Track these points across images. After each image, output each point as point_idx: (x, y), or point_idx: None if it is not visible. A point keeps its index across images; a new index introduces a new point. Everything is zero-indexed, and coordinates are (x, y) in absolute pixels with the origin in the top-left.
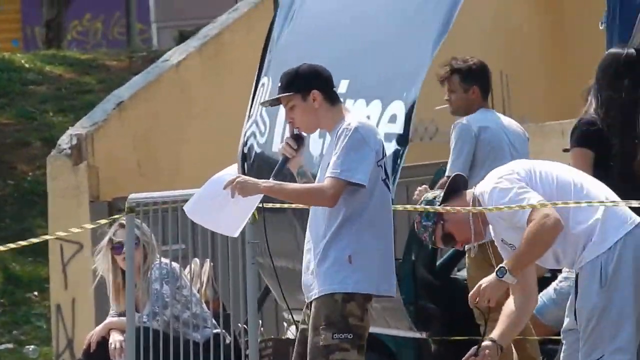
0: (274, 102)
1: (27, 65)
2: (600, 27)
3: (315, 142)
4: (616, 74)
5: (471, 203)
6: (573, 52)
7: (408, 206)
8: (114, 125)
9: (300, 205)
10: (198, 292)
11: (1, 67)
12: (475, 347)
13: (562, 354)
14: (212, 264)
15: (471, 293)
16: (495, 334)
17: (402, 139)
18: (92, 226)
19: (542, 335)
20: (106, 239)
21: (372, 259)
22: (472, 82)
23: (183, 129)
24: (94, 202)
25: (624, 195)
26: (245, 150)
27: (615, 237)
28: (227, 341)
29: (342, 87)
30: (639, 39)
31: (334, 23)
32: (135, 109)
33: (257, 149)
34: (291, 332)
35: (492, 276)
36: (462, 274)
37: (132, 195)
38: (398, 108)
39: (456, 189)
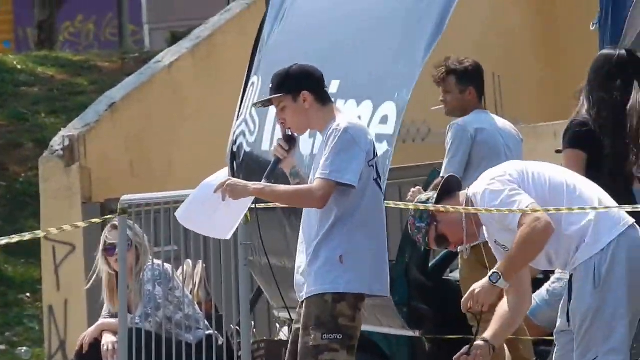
0: (266, 103)
1: (19, 67)
2: (592, 29)
3: (305, 142)
4: (608, 75)
5: (464, 204)
6: (565, 53)
7: (400, 204)
8: (106, 127)
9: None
10: (190, 293)
11: None
12: (467, 346)
13: (554, 355)
14: (204, 265)
15: (464, 299)
16: (488, 334)
17: (393, 140)
18: (83, 225)
19: (535, 337)
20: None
21: (364, 259)
22: (468, 83)
23: (175, 130)
24: (86, 203)
25: (616, 195)
26: (235, 149)
27: (608, 238)
28: (220, 342)
29: (333, 87)
30: (630, 40)
31: (325, 22)
32: (128, 110)
33: (246, 148)
34: (284, 334)
35: (485, 281)
36: (455, 275)
37: (125, 197)
38: (389, 109)
39: (449, 190)
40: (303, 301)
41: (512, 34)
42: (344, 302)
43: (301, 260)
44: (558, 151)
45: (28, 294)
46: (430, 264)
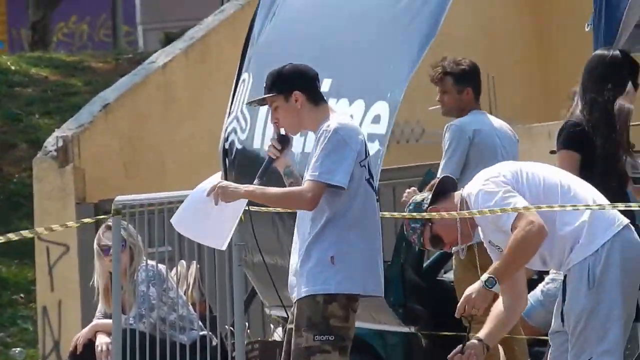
0: (261, 102)
1: (13, 67)
2: (587, 29)
3: (296, 140)
4: (601, 75)
5: (459, 205)
6: (559, 54)
7: (395, 214)
8: (100, 127)
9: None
10: (184, 294)
11: None
12: (461, 345)
13: (549, 356)
14: (198, 266)
15: (459, 304)
16: (482, 333)
17: (385, 140)
18: (74, 224)
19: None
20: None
21: (356, 259)
22: (465, 84)
23: (169, 130)
24: (80, 204)
25: (609, 196)
26: (227, 146)
27: (602, 239)
28: (214, 343)
29: (324, 86)
30: (624, 41)
31: (317, 21)
32: (121, 110)
33: (238, 146)
34: (278, 334)
35: (479, 285)
36: (449, 276)
37: (119, 198)
38: (382, 108)
39: (444, 190)
40: (296, 302)
41: (505, 34)
42: (335, 303)
43: (294, 260)
44: (552, 152)
45: (22, 295)
46: (424, 265)
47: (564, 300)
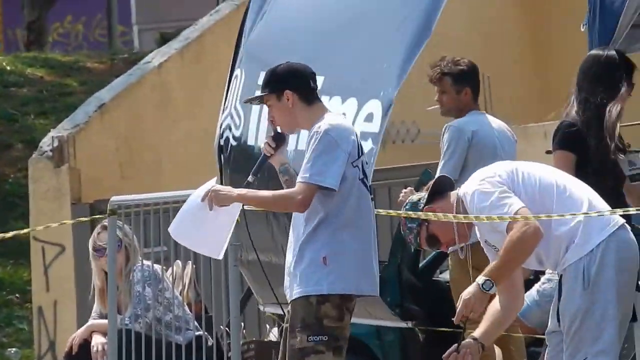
0: (258, 100)
1: (8, 68)
2: (582, 29)
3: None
4: (596, 75)
5: (455, 204)
6: (555, 54)
7: (392, 211)
8: (96, 127)
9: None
10: (180, 294)
11: None
12: (456, 344)
13: (546, 356)
14: (194, 266)
15: (458, 310)
16: (477, 332)
17: (378, 138)
18: (70, 222)
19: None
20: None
21: (350, 260)
22: (464, 84)
23: (165, 130)
24: (75, 204)
25: (604, 195)
26: (222, 143)
27: (598, 239)
28: (209, 343)
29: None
30: (620, 41)
31: (310, 18)
32: (117, 111)
33: (232, 142)
34: (273, 334)
35: (476, 289)
36: (444, 276)
37: (114, 198)
38: (374, 107)
39: (441, 190)
40: (290, 302)
41: (501, 34)
42: (328, 304)
43: (289, 260)
44: (548, 152)
45: (17, 295)
46: (420, 265)
47: (559, 300)
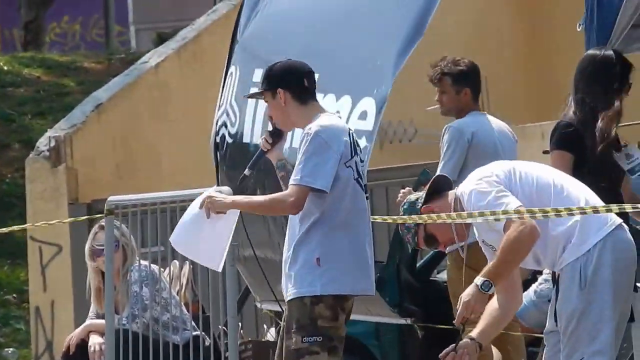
0: (260, 95)
1: (5, 68)
2: (578, 29)
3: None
4: (592, 75)
5: (452, 204)
6: (553, 54)
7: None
8: (93, 127)
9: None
10: (177, 294)
11: None
12: (454, 344)
13: (544, 356)
14: (191, 266)
15: (459, 312)
16: (475, 332)
17: (372, 136)
18: (68, 220)
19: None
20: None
21: (344, 260)
22: (463, 84)
23: (162, 131)
24: (73, 204)
25: (602, 195)
26: (218, 140)
27: (594, 239)
28: (207, 343)
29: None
30: (618, 41)
31: (304, 16)
32: (114, 110)
33: (228, 139)
34: (271, 334)
35: (475, 290)
36: (442, 276)
37: (111, 198)
38: (368, 104)
39: (439, 189)
40: (286, 303)
41: (499, 35)
42: (322, 304)
43: (285, 259)
44: (545, 152)
45: (15, 295)
46: (417, 265)
47: (557, 299)
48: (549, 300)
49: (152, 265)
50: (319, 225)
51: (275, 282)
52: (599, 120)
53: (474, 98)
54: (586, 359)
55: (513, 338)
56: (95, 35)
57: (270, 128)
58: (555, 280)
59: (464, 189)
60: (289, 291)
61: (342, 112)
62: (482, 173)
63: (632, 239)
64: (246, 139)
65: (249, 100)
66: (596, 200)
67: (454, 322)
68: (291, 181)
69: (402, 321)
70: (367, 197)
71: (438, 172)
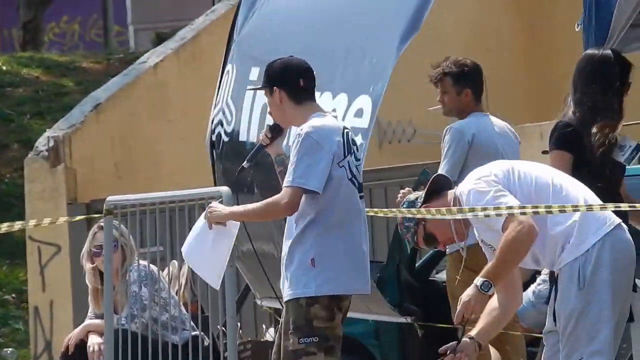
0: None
1: (4, 68)
2: (577, 29)
3: None
4: (590, 74)
5: (452, 204)
6: (552, 54)
7: (385, 210)
8: (92, 127)
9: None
10: (176, 294)
11: None
12: (454, 343)
13: (543, 356)
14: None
15: (458, 311)
16: (474, 331)
17: (368, 133)
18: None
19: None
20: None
21: (338, 260)
22: (464, 85)
23: (160, 130)
24: (71, 204)
25: (600, 195)
26: (214, 139)
27: (593, 239)
28: (206, 343)
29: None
30: (616, 40)
31: (299, 14)
32: (113, 110)
33: (224, 137)
34: (270, 334)
35: (475, 290)
36: (441, 276)
37: (110, 198)
38: (364, 102)
39: (438, 189)
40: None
41: (498, 35)
42: (317, 305)
43: (282, 258)
44: (545, 152)
45: (13, 295)
46: (416, 265)
47: (555, 299)
48: (548, 301)
49: (151, 265)
50: (314, 226)
51: (275, 278)
52: (594, 127)
53: (476, 99)
54: (585, 359)
55: (512, 338)
56: (94, 35)
57: (271, 122)
58: (553, 280)
59: (463, 188)
60: (285, 292)
61: (338, 110)
62: (481, 173)
63: (631, 238)
64: (242, 138)
65: (246, 98)
66: (595, 200)
67: (455, 322)
68: (284, 183)
69: (402, 320)
70: (362, 196)
71: (439, 172)
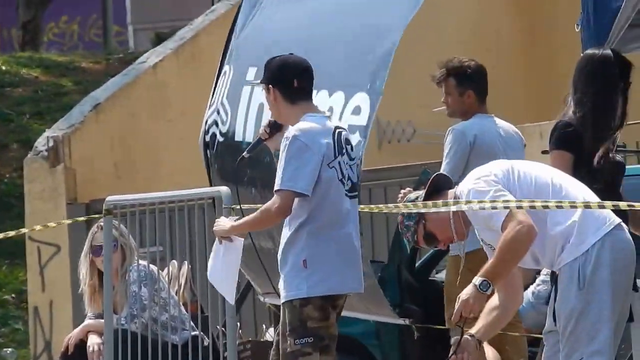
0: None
1: (3, 68)
2: (577, 30)
3: None
4: (590, 74)
5: None
6: (552, 54)
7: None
8: (91, 127)
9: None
10: (176, 294)
11: None
12: (456, 338)
13: (543, 356)
14: (190, 266)
15: (456, 310)
16: (475, 329)
17: (366, 131)
18: (64, 221)
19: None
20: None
21: (330, 261)
22: (467, 86)
23: (160, 130)
24: (71, 204)
25: (599, 195)
26: (207, 139)
27: (593, 239)
28: (206, 343)
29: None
30: (616, 40)
31: (296, 13)
32: (112, 110)
33: (219, 138)
34: (269, 334)
35: (473, 289)
36: (441, 276)
37: (110, 198)
38: (361, 99)
39: (438, 188)
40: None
41: (498, 35)
42: (310, 305)
43: (278, 259)
44: (544, 152)
45: (13, 295)
46: (416, 265)
47: (555, 299)
48: (547, 302)
49: (150, 265)
50: (306, 227)
51: (275, 275)
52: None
53: (479, 100)
54: (585, 359)
55: (513, 338)
56: (93, 35)
57: (272, 118)
58: (554, 279)
59: (463, 188)
60: (281, 294)
61: (335, 108)
62: (481, 172)
63: (631, 238)
64: (238, 137)
65: (242, 98)
66: (594, 200)
67: (456, 322)
68: (275, 187)
69: (400, 322)
70: (355, 196)
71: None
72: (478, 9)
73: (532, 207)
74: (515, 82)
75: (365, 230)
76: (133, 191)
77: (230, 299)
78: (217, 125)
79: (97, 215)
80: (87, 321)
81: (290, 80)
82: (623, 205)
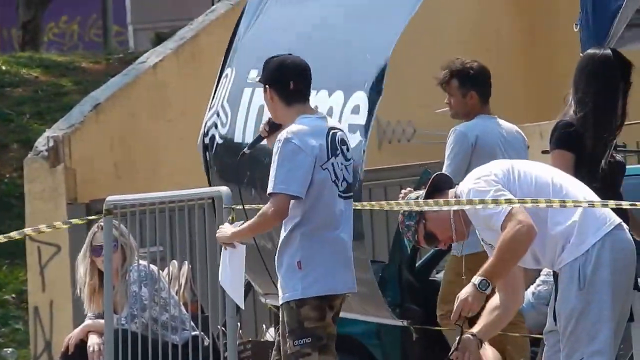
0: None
1: (3, 68)
2: (576, 29)
3: None
4: (591, 74)
5: None
6: (552, 54)
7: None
8: (91, 127)
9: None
10: (176, 294)
11: None
12: (457, 342)
13: (543, 355)
14: (190, 266)
15: (455, 310)
16: (476, 328)
17: (366, 131)
18: (64, 225)
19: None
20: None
21: (324, 261)
22: (469, 87)
23: (160, 130)
24: (71, 204)
25: (600, 194)
26: (207, 141)
27: (593, 239)
28: (206, 343)
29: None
30: (614, 40)
31: (296, 13)
32: (112, 110)
33: (218, 140)
34: (270, 334)
35: (472, 289)
36: (441, 276)
37: (110, 198)
38: (360, 99)
39: (439, 188)
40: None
41: (498, 35)
42: (307, 306)
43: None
44: (545, 152)
45: (13, 295)
46: (417, 265)
47: (556, 299)
48: (547, 302)
49: (151, 265)
50: (300, 229)
51: (276, 275)
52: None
53: (482, 101)
54: (586, 358)
55: (514, 338)
56: (93, 35)
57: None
58: (556, 279)
59: (463, 188)
60: (279, 295)
61: (335, 107)
62: (481, 172)
63: (631, 238)
64: (238, 139)
65: (242, 100)
66: (596, 200)
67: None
68: (268, 189)
69: (398, 323)
70: (350, 196)
71: None
72: (478, 9)
73: (535, 205)
74: (515, 82)
75: (365, 230)
76: (133, 191)
77: (241, 303)
78: (216, 127)
79: (96, 217)
80: (87, 321)
81: (286, 81)
82: (625, 204)
